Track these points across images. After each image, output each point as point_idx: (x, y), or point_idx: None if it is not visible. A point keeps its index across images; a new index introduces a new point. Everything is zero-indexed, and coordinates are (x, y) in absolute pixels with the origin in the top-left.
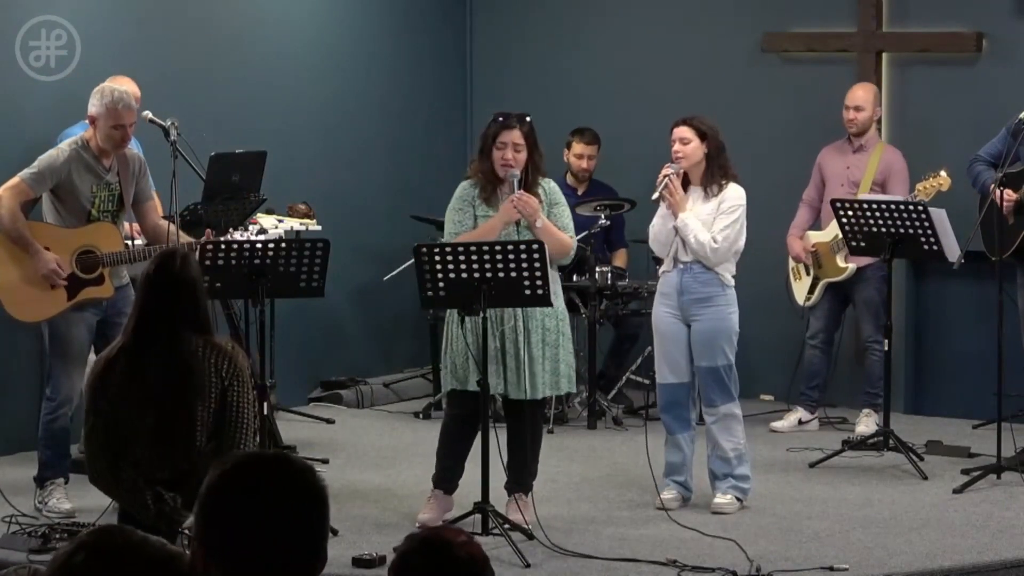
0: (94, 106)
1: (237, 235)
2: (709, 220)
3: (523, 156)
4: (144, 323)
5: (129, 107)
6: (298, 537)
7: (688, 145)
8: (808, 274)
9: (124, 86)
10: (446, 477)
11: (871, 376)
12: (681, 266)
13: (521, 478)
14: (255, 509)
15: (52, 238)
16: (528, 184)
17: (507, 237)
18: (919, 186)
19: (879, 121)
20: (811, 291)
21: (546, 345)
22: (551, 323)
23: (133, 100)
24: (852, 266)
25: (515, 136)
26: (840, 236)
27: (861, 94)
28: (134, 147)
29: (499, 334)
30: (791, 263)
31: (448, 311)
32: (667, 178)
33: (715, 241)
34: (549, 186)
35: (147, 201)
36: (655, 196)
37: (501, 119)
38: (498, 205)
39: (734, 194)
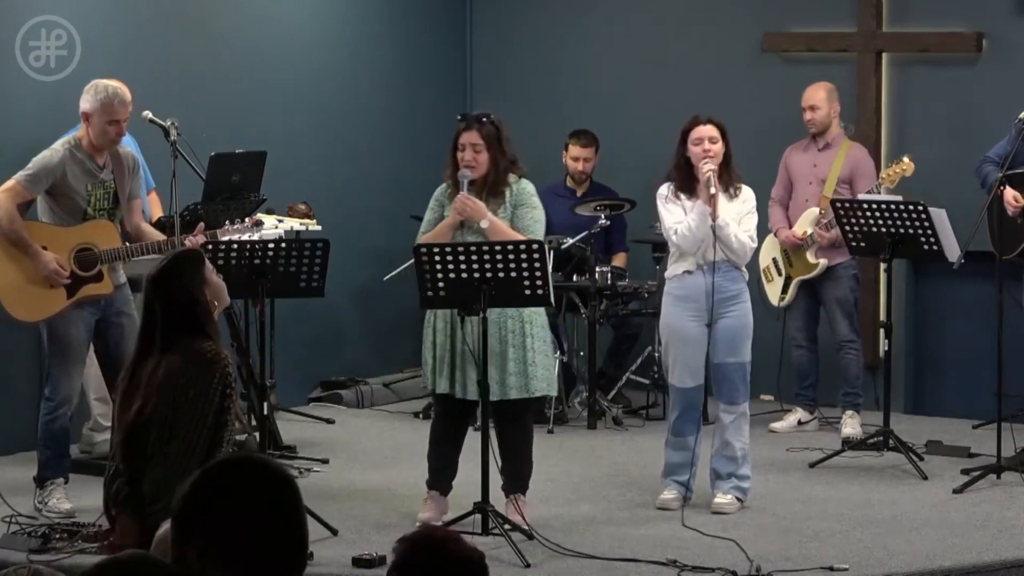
0: (87, 102)
1: (234, 229)
2: (738, 219)
3: (483, 157)
4: (144, 328)
5: (124, 102)
6: (276, 523)
7: (716, 144)
8: (780, 274)
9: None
10: (438, 478)
11: (848, 377)
12: (708, 267)
13: (512, 478)
14: (229, 507)
15: (49, 237)
16: (491, 184)
17: (459, 238)
18: (883, 174)
19: (882, 121)
20: (784, 291)
21: (509, 347)
22: (514, 324)
23: (127, 96)
24: (823, 262)
25: (472, 137)
26: (810, 232)
27: (815, 93)
28: (130, 145)
29: (456, 335)
30: (762, 264)
31: (428, 313)
32: (712, 173)
33: (753, 240)
34: (519, 186)
35: (134, 199)
36: (713, 191)
37: (461, 120)
38: None
39: (751, 194)
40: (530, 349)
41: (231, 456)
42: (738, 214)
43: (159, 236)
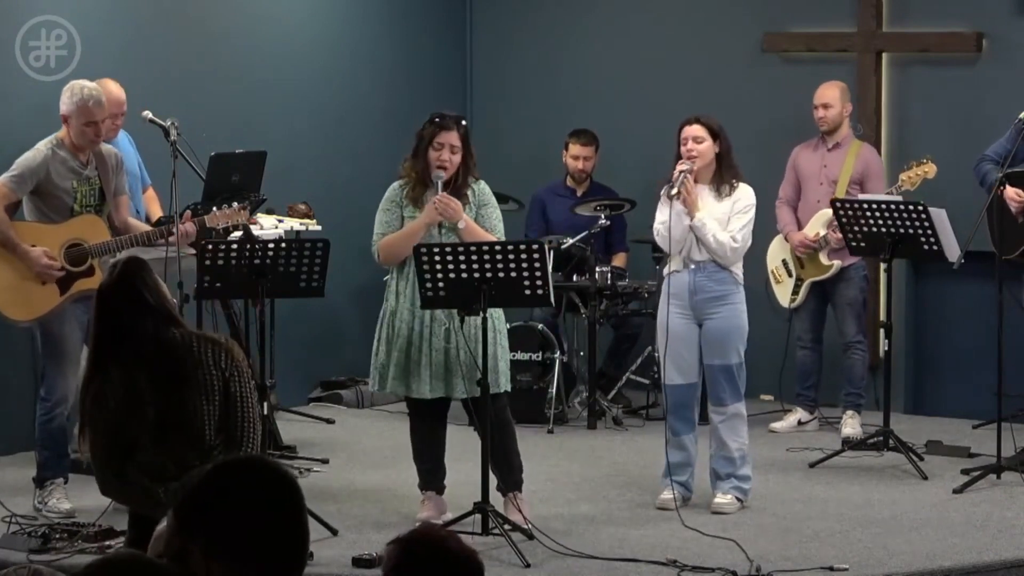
0: (65, 104)
1: (223, 215)
2: (724, 219)
3: (458, 158)
4: (106, 331)
5: (100, 103)
6: (278, 523)
7: (702, 144)
8: (790, 276)
9: (110, 93)
10: (430, 480)
11: (853, 377)
12: (694, 266)
13: (505, 476)
14: (232, 506)
15: (38, 235)
16: (458, 186)
17: (431, 239)
18: (903, 176)
19: (882, 121)
20: (795, 292)
21: (479, 344)
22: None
23: (104, 96)
24: (837, 263)
25: (452, 138)
26: (823, 234)
27: (828, 91)
28: (124, 141)
29: (428, 336)
30: (770, 266)
31: (388, 316)
32: (684, 175)
33: (735, 240)
34: (479, 187)
35: (120, 195)
36: (674, 191)
37: (439, 120)
38: (424, 206)
39: (747, 193)
40: (499, 345)
41: (236, 456)
42: (724, 214)
43: (147, 228)
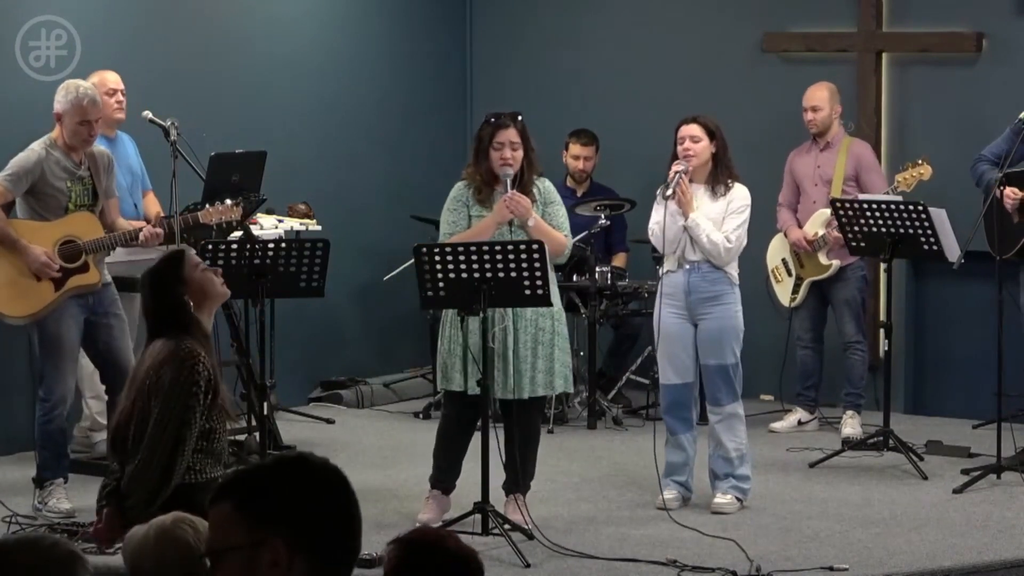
0: (59, 103)
1: (216, 211)
2: (719, 219)
3: (520, 154)
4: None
5: (94, 103)
6: (351, 513)
7: (698, 143)
8: (790, 275)
9: (107, 76)
10: (443, 478)
11: (853, 377)
12: (688, 266)
13: (516, 478)
14: (318, 500)
15: (32, 232)
16: (523, 183)
17: (500, 237)
18: (898, 177)
19: (882, 121)
20: (795, 291)
21: (539, 345)
22: (545, 323)
23: (99, 96)
24: (836, 262)
25: (511, 135)
26: (821, 234)
27: (817, 93)
28: (129, 145)
29: (491, 335)
30: (770, 265)
31: (445, 311)
32: (679, 175)
33: (728, 241)
34: (544, 185)
35: (110, 198)
36: (669, 192)
37: (494, 119)
38: (492, 205)
39: (742, 194)
40: (557, 347)
41: (298, 452)
42: (719, 214)
43: (139, 224)
